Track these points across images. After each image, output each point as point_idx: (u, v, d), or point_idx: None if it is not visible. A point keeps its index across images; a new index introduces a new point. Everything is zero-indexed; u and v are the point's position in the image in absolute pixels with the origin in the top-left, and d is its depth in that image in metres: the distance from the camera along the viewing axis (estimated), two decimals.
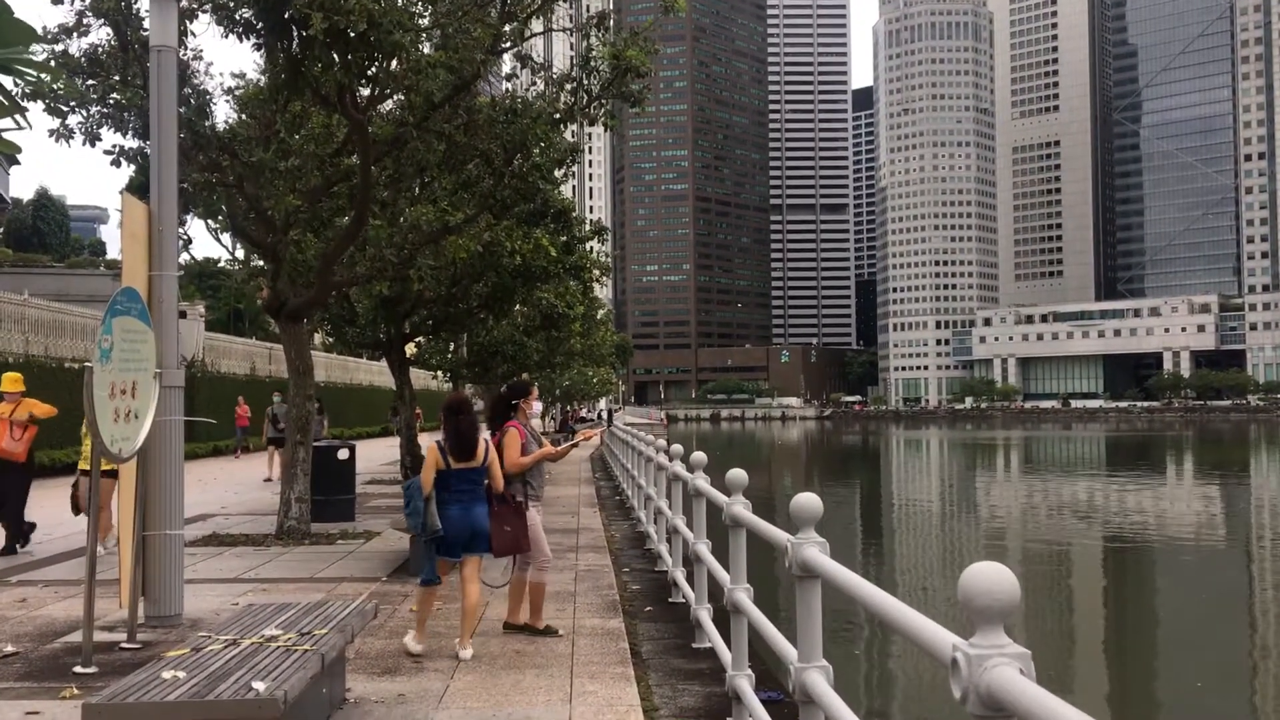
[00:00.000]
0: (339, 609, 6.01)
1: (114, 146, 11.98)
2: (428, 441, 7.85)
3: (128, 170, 13.23)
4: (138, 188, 11.53)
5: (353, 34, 9.83)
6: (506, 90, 14.64)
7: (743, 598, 5.45)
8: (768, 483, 44.41)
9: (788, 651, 4.27)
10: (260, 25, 10.37)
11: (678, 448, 9.61)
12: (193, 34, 11.13)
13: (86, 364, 6.83)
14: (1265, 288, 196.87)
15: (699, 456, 7.61)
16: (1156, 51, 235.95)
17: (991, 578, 2.09)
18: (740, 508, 5.54)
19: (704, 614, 7.26)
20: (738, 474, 5.67)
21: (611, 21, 13.63)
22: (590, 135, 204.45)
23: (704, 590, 7.39)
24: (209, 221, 15.84)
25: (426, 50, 12.46)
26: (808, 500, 3.87)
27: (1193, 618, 17.76)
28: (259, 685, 4.34)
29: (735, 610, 5.55)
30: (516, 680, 6.51)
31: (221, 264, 56.27)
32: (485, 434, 7.57)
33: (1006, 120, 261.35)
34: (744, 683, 5.45)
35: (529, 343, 26.32)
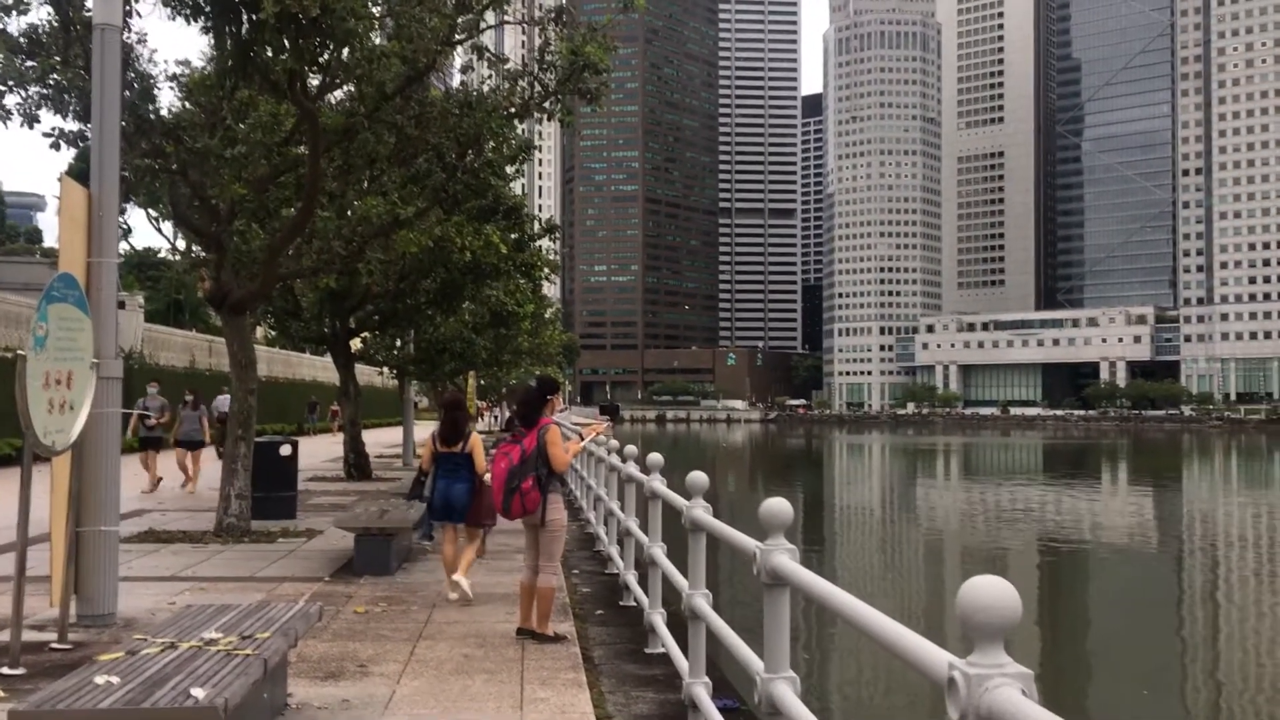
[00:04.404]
0: (282, 611, 5.80)
1: (53, 129, 11.58)
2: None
3: (67, 155, 12.84)
4: (77, 174, 11.16)
5: (305, 19, 9.59)
6: (461, 83, 14.43)
7: (702, 603, 5.33)
8: (712, 485, 44.36)
9: (751, 661, 4.15)
10: (209, 7, 10.09)
11: (631, 449, 9.48)
12: (138, 14, 10.80)
13: (20, 353, 6.55)
14: (1200, 300, 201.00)
15: (655, 458, 7.48)
16: (1099, 66, 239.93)
17: (992, 593, 1.98)
18: (701, 511, 5.42)
19: (658, 619, 7.13)
20: (698, 477, 5.55)
21: (566, 17, 13.47)
22: (541, 134, 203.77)
23: (658, 595, 7.26)
24: (150, 210, 15.44)
25: (379, 40, 12.24)
26: (778, 505, 3.76)
27: (1144, 622, 17.99)
28: (198, 692, 4.13)
29: (694, 616, 5.43)
30: (465, 686, 6.33)
31: (162, 254, 55.22)
32: (470, 427, 9.34)
33: (952, 130, 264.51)
34: (701, 690, 5.33)
35: (477, 340, 26.08)
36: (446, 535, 9.20)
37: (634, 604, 8.94)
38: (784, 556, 3.63)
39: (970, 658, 1.98)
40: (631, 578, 9.06)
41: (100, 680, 4.27)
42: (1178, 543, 28.58)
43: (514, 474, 7.35)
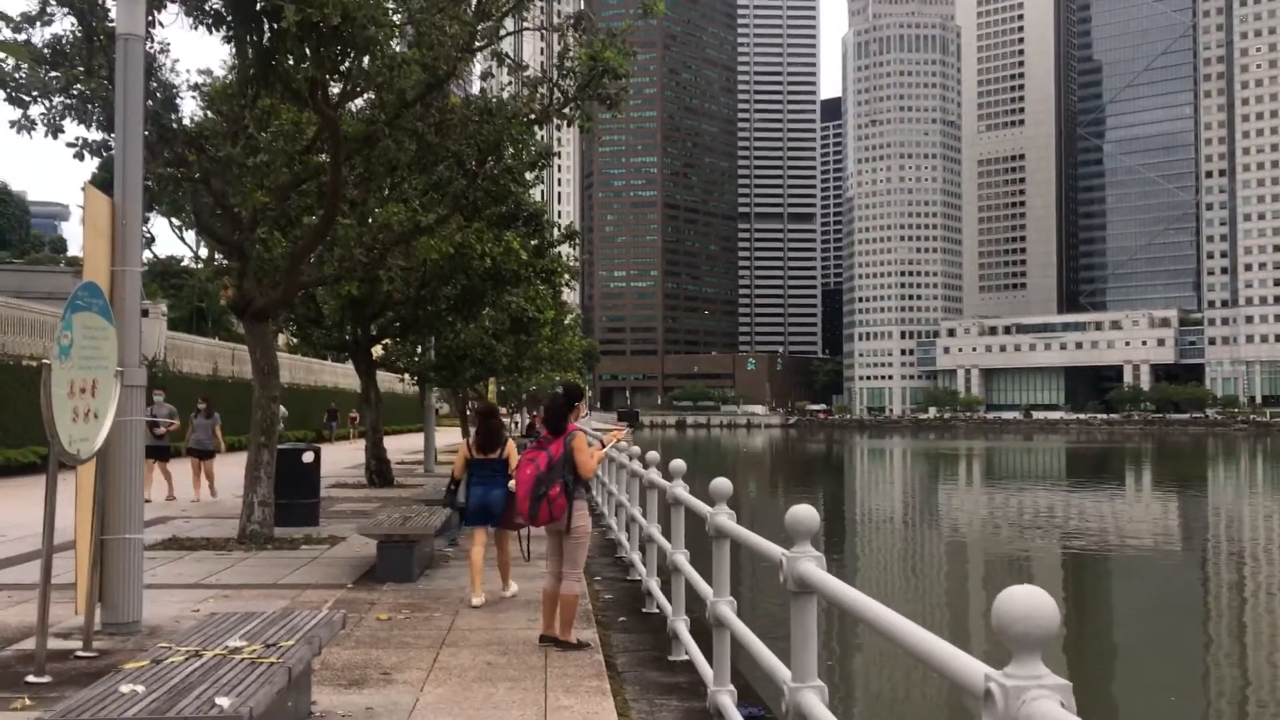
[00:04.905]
0: (306, 619, 5.78)
1: (77, 138, 11.67)
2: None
3: (91, 165, 12.94)
4: (101, 183, 11.23)
5: (326, 28, 9.62)
6: (481, 90, 14.46)
7: (727, 611, 5.29)
8: (734, 490, 44.17)
9: (777, 669, 4.11)
10: (230, 17, 10.14)
11: (653, 455, 9.45)
12: (160, 24, 10.85)
13: (45, 361, 6.57)
14: (1224, 303, 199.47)
15: (678, 464, 7.44)
16: (1120, 68, 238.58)
17: (1030, 603, 1.95)
18: (725, 518, 5.38)
19: (681, 626, 7.09)
20: (722, 483, 5.52)
21: (585, 23, 13.46)
22: (560, 140, 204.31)
23: (681, 602, 7.22)
24: (173, 219, 15.55)
25: (399, 48, 12.27)
26: (804, 512, 3.72)
27: (1169, 629, 17.81)
28: (223, 701, 4.12)
29: (718, 624, 5.39)
30: (489, 694, 6.31)
31: (184, 263, 55.50)
32: (505, 434, 9.60)
33: (973, 133, 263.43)
34: (726, 699, 5.30)
35: (498, 346, 26.11)
36: (476, 538, 9.33)
37: (657, 611, 8.90)
38: (811, 564, 3.59)
39: (1007, 669, 1.95)
40: (654, 584, 9.02)
41: (125, 689, 4.27)
42: (1203, 549, 28.32)
43: (541, 480, 7.32)
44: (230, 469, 20.95)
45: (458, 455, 9.53)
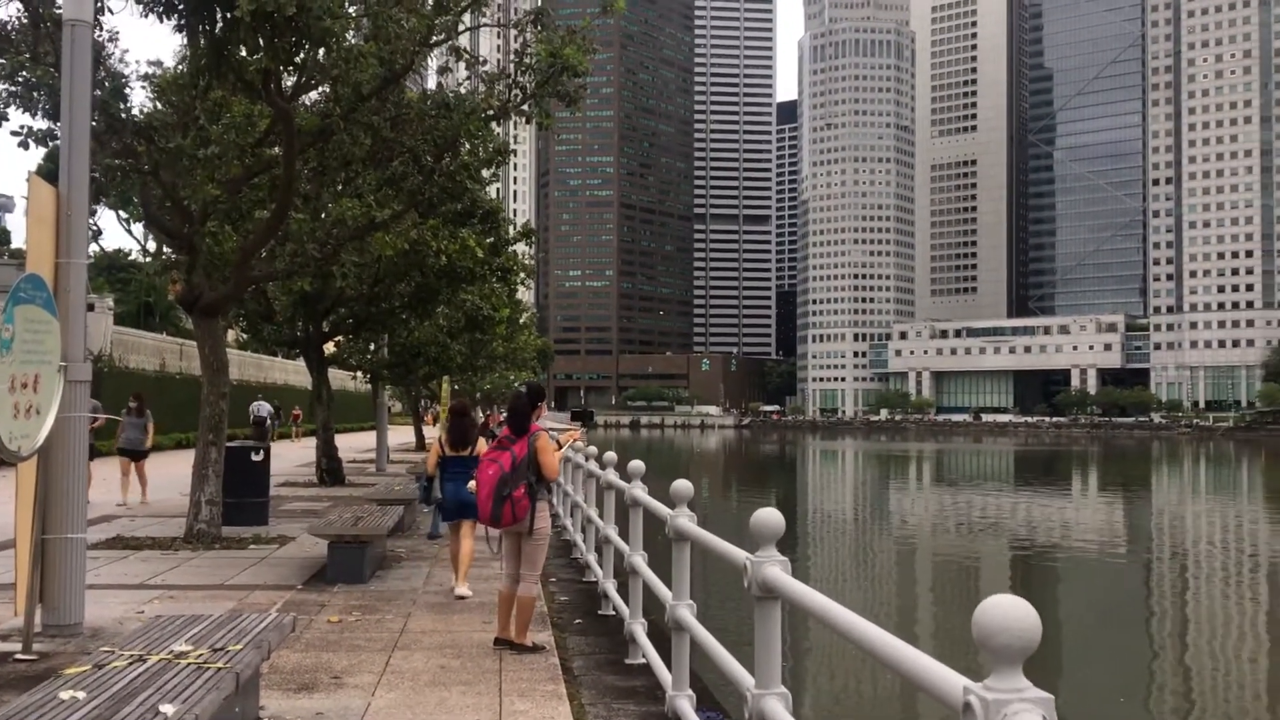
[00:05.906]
0: (255, 622, 5.64)
1: (22, 127, 11.36)
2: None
3: (36, 155, 12.63)
4: (46, 174, 10.94)
5: (280, 17, 9.43)
6: (438, 84, 14.32)
7: (686, 614, 5.23)
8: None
9: (740, 676, 4.04)
10: (181, 5, 9.92)
11: (611, 455, 9.38)
12: (109, 11, 10.59)
13: None
14: (1169, 309, 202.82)
15: (636, 465, 7.37)
16: (1071, 76, 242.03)
17: (1012, 614, 1.89)
18: (685, 520, 5.31)
19: (639, 629, 7.02)
20: (683, 485, 5.45)
21: (544, 19, 13.35)
22: (516, 138, 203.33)
23: (639, 604, 7.15)
24: (120, 212, 15.21)
25: (355, 40, 12.08)
26: (769, 516, 3.66)
27: (1116, 630, 18.01)
28: (167, 708, 3.98)
29: (678, 628, 5.32)
30: (442, 698, 6.20)
31: (132, 256, 54.61)
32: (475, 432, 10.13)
33: (926, 138, 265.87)
34: (685, 703, 5.23)
35: (452, 345, 25.90)
36: (463, 531, 9.70)
37: (613, 613, 8.82)
38: (776, 568, 3.53)
39: (987, 681, 1.89)
40: (610, 586, 8.94)
41: (65, 695, 4.12)
42: (1147, 550, 28.72)
43: (505, 481, 7.16)
44: (178, 466, 20.49)
45: (430, 452, 9.99)
